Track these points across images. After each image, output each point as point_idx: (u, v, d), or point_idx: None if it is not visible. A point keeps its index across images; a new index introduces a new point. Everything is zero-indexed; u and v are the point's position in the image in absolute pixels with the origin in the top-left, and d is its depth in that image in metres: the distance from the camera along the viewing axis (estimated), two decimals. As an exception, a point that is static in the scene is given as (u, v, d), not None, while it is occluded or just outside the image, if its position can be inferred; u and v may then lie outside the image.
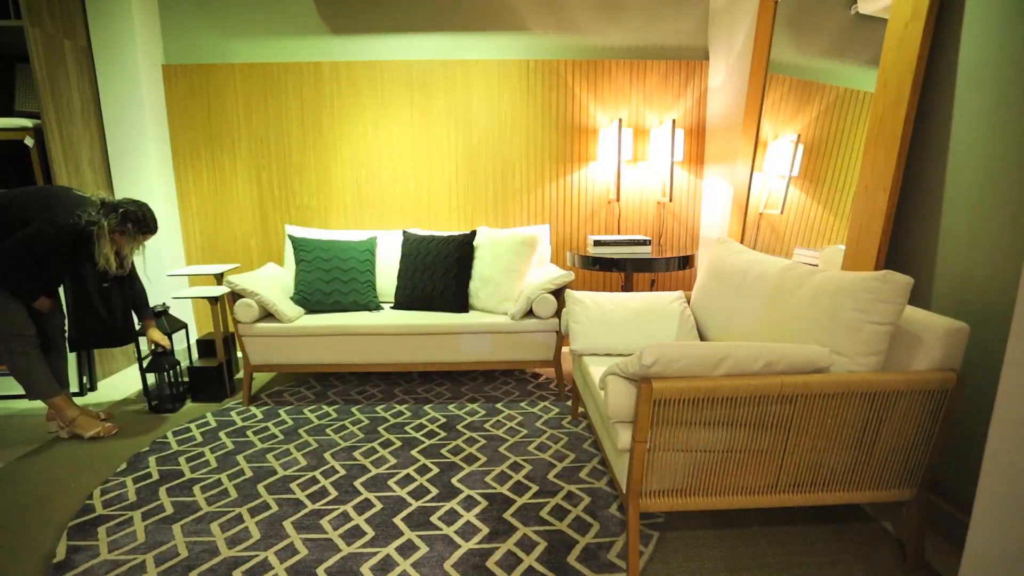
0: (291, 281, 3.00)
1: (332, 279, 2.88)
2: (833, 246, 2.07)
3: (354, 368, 2.77)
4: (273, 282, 2.85)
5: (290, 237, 2.96)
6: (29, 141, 2.81)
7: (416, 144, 3.38)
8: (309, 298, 2.85)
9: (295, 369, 2.77)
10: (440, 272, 2.85)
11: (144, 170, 3.22)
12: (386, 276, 3.12)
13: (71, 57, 2.96)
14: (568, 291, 2.39)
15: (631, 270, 2.86)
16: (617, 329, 2.22)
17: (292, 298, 2.87)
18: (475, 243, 3.01)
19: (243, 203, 3.42)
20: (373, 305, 2.92)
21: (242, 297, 2.70)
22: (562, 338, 2.74)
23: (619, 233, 3.50)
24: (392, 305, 3.05)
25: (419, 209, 3.45)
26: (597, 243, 3.08)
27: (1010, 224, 1.46)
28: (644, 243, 3.06)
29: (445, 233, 2.98)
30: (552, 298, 2.65)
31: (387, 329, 2.69)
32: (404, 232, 3.06)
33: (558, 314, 2.68)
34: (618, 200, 3.19)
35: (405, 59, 3.29)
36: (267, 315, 2.79)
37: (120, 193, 3.25)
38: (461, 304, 2.85)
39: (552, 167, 3.41)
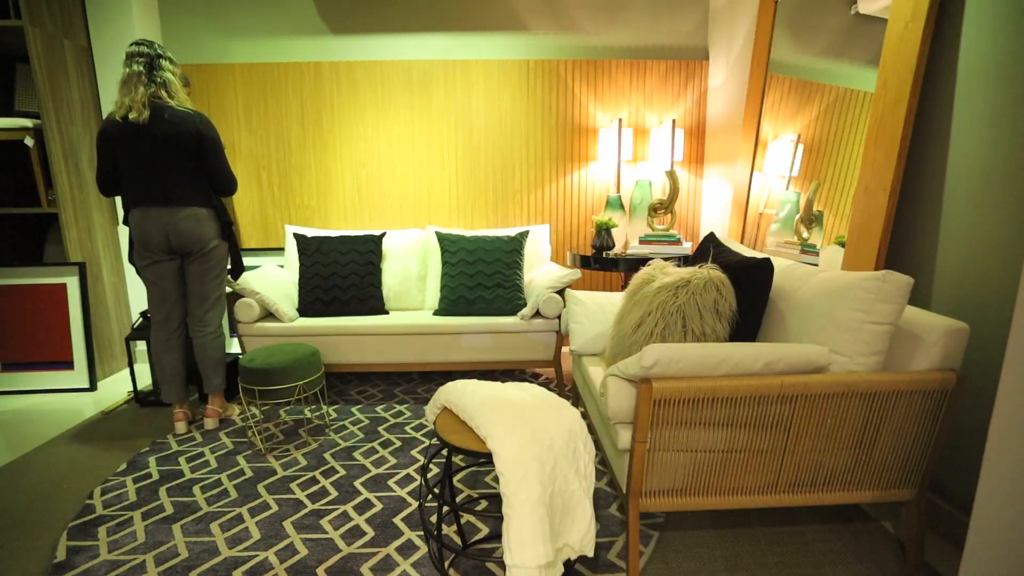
0: (291, 280, 3.00)
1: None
2: (833, 246, 2.07)
3: (354, 368, 2.77)
4: (274, 282, 2.85)
5: (295, 235, 2.94)
6: (29, 141, 2.81)
7: (416, 144, 3.38)
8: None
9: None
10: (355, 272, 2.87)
11: (144, 170, 3.22)
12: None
13: (71, 57, 2.96)
14: (568, 291, 2.39)
15: (632, 270, 2.86)
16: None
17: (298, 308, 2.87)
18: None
19: (243, 203, 3.42)
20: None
21: (242, 296, 2.69)
22: (562, 338, 2.74)
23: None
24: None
25: (419, 209, 3.45)
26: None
27: (1010, 224, 1.46)
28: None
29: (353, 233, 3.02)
30: (559, 298, 2.65)
31: (388, 329, 2.69)
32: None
33: (559, 316, 2.68)
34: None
35: (405, 59, 3.29)
36: (267, 315, 2.80)
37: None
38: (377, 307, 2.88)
39: (552, 167, 3.41)
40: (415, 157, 3.40)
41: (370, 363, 2.76)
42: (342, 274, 2.84)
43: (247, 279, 2.69)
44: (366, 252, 2.89)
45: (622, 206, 3.18)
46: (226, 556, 1.62)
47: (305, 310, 2.83)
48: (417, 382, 3.05)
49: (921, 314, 1.48)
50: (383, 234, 2.99)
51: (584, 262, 2.96)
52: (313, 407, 2.71)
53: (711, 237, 2.14)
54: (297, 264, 2.99)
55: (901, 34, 1.72)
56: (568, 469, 1.37)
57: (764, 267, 1.72)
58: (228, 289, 2.67)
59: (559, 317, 2.67)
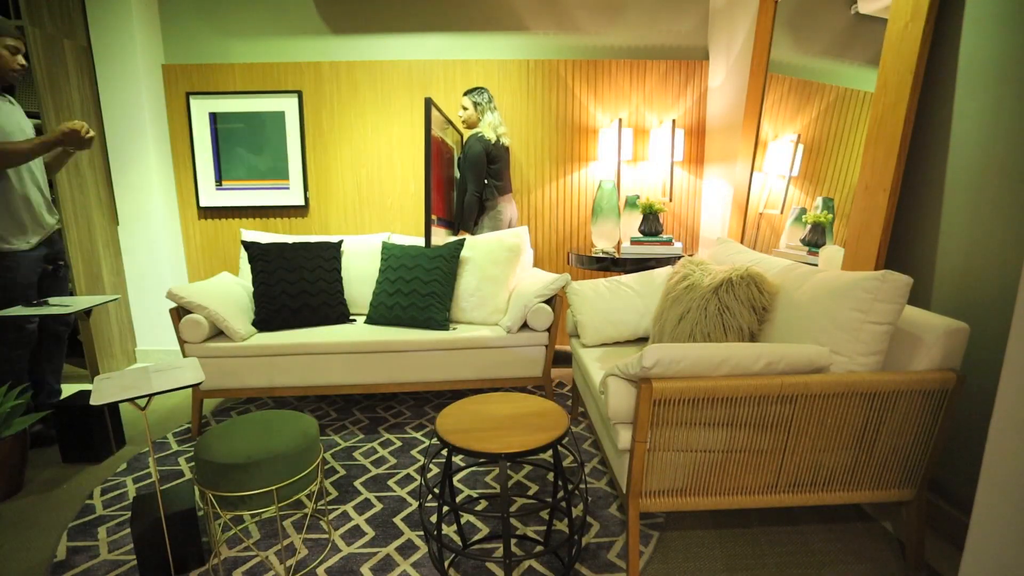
0: (245, 292, 2.69)
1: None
2: (833, 246, 2.07)
3: (321, 391, 2.49)
4: (226, 294, 2.51)
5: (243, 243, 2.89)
6: (29, 141, 2.81)
7: (416, 144, 3.38)
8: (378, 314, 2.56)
9: (253, 393, 2.46)
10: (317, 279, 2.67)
11: (144, 170, 3.22)
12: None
13: (71, 57, 2.96)
14: (568, 285, 2.35)
15: (632, 270, 2.86)
16: (620, 314, 2.24)
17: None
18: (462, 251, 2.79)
19: (243, 203, 3.42)
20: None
21: (189, 313, 2.37)
22: (552, 352, 2.55)
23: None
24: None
25: (419, 209, 3.45)
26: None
27: (1010, 224, 1.46)
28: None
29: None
30: (548, 308, 2.44)
31: (358, 347, 2.42)
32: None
33: (549, 328, 2.50)
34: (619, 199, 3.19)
35: (405, 59, 3.29)
36: (218, 332, 2.49)
37: (120, 193, 3.25)
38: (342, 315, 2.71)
39: (552, 167, 3.41)
40: (415, 157, 3.39)
41: (338, 384, 2.47)
42: (310, 279, 2.64)
43: (194, 291, 2.39)
44: (330, 259, 2.75)
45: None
46: (226, 556, 1.62)
47: (262, 324, 2.55)
48: (417, 382, 3.05)
49: (921, 314, 1.48)
50: (340, 241, 2.86)
51: (585, 262, 2.96)
52: (314, 406, 2.69)
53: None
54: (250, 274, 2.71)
55: (901, 34, 1.72)
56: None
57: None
58: (178, 301, 2.35)
59: (549, 330, 2.49)
